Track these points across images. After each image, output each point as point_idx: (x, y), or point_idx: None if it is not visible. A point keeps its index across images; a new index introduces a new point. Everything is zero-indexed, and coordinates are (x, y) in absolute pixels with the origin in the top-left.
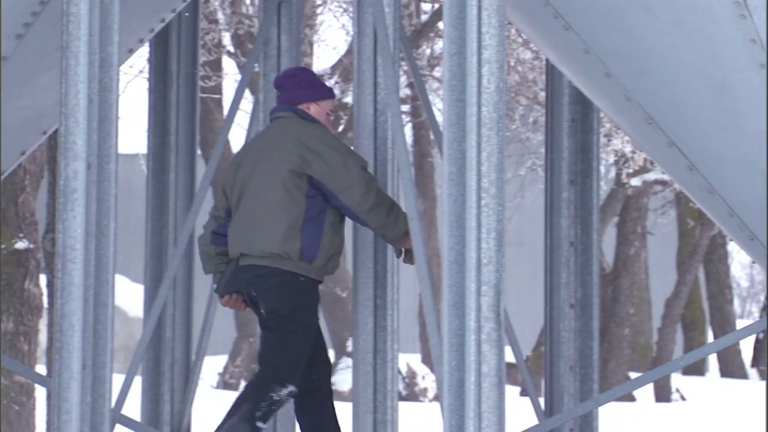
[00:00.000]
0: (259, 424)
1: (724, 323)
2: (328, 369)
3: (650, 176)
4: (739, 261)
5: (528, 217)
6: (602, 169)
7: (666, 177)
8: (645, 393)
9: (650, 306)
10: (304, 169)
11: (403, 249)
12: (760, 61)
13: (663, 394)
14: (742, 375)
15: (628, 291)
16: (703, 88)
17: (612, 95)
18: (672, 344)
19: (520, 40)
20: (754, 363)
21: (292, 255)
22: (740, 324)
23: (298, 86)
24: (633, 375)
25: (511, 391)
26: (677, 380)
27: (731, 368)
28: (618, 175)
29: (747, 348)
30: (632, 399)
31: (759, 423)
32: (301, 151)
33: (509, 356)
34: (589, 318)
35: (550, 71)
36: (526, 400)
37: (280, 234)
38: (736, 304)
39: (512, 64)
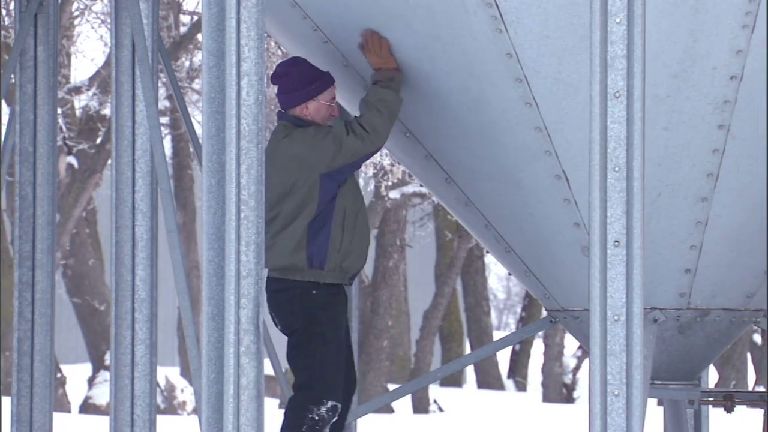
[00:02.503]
0: None
1: (481, 335)
2: (351, 389)
3: (409, 189)
4: (496, 273)
5: None
6: (361, 181)
7: (424, 190)
8: (403, 404)
9: (409, 318)
10: (309, 174)
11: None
12: (516, 75)
13: (421, 405)
14: (499, 386)
15: (387, 303)
16: (460, 102)
17: None
18: (430, 356)
19: (279, 53)
20: (511, 374)
21: (300, 265)
22: (497, 335)
23: (292, 87)
24: (391, 386)
25: (270, 404)
26: (435, 391)
27: (488, 379)
28: (377, 187)
29: (503, 359)
30: (390, 410)
31: None
32: (296, 164)
33: (268, 369)
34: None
35: None
36: None
37: (287, 246)
38: (493, 315)
39: None
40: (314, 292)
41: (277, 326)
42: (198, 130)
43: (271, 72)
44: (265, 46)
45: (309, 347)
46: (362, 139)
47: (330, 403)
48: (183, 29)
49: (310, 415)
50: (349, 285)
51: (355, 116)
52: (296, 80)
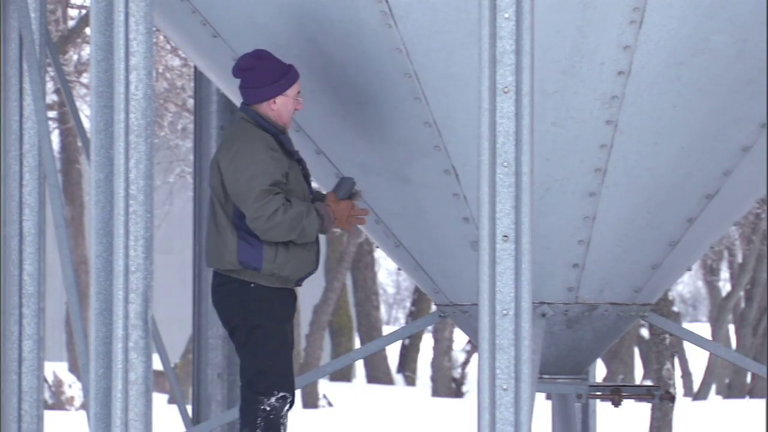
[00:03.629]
0: None
1: (370, 329)
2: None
3: None
4: (386, 268)
5: (177, 224)
6: None
7: (315, 185)
8: None
9: (298, 313)
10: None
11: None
12: (405, 70)
13: (310, 400)
14: (389, 381)
15: None
16: (350, 97)
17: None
18: (320, 350)
19: (168, 47)
20: (400, 369)
21: (235, 267)
22: (386, 330)
23: (259, 83)
24: None
25: (159, 399)
26: (324, 386)
27: (377, 374)
28: None
29: (393, 354)
30: None
31: (404, 428)
32: (216, 170)
33: (157, 364)
34: None
35: (199, 78)
36: (174, 407)
37: (221, 249)
38: (383, 310)
39: (161, 71)
40: (252, 285)
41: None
42: (86, 124)
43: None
44: (154, 40)
45: (252, 342)
46: (257, 217)
47: (280, 394)
48: (71, 23)
49: (262, 407)
50: (296, 287)
51: (287, 200)
52: (263, 76)
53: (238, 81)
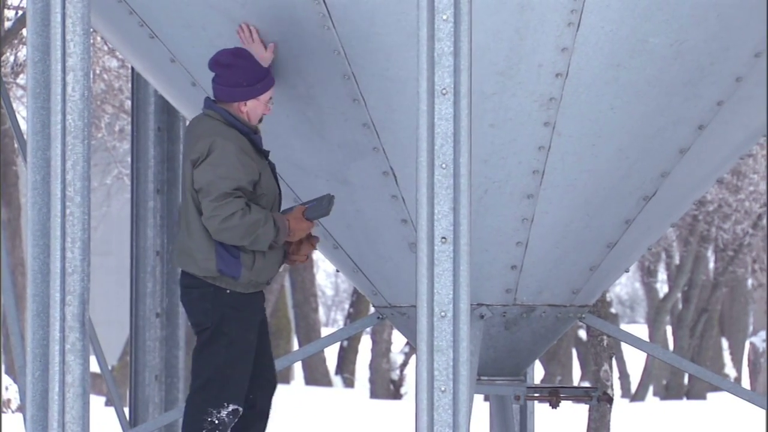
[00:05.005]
0: None
1: (309, 331)
2: (270, 390)
3: None
4: (324, 270)
5: (115, 226)
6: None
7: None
8: None
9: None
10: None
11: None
12: (343, 71)
13: None
14: (327, 383)
15: None
16: (288, 98)
17: (198, 104)
18: None
19: (105, 48)
20: (338, 370)
21: (211, 274)
22: (325, 332)
23: (235, 82)
24: None
25: (97, 401)
26: None
27: (316, 376)
28: None
29: (331, 356)
30: None
31: (342, 429)
32: (187, 169)
33: (94, 366)
34: (175, 327)
35: (136, 80)
36: (112, 410)
37: (195, 255)
38: (321, 312)
39: (98, 72)
40: (228, 291)
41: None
42: (23, 125)
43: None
44: (91, 41)
45: (213, 347)
46: (212, 216)
47: (231, 407)
48: (7, 24)
49: (210, 419)
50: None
51: (247, 205)
52: (241, 76)
53: (176, 83)
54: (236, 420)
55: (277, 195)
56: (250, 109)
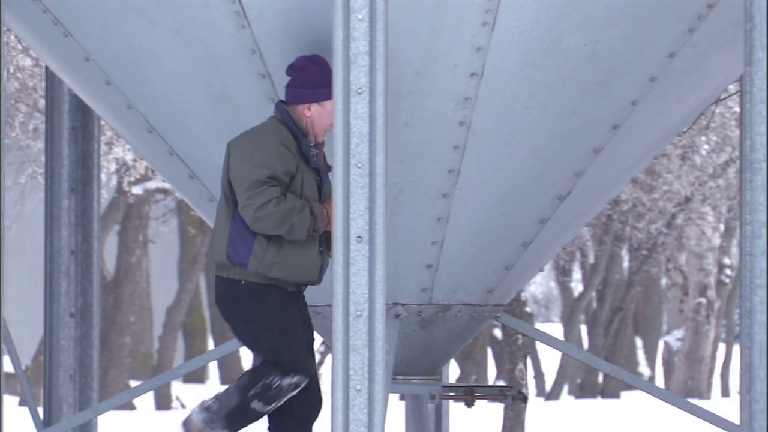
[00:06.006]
0: (254, 405)
1: (224, 331)
2: (314, 402)
3: (152, 185)
4: None
5: (28, 225)
6: (103, 177)
7: (168, 185)
8: (145, 401)
9: (151, 314)
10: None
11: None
12: (259, 70)
13: (164, 401)
14: None
15: (130, 299)
16: (203, 97)
17: (113, 103)
18: (173, 352)
19: (19, 47)
20: None
21: (222, 261)
22: None
23: (301, 84)
24: (134, 383)
25: (11, 401)
26: (178, 388)
27: (232, 376)
28: (120, 183)
29: (247, 355)
30: (132, 407)
31: (257, 428)
32: (227, 161)
33: (8, 366)
34: (89, 327)
35: (51, 78)
36: (25, 409)
37: (217, 236)
38: None
39: (12, 71)
40: (242, 282)
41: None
42: None
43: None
44: (5, 40)
45: (256, 338)
46: (247, 205)
47: (296, 378)
48: None
49: (268, 381)
50: (293, 290)
51: (283, 194)
52: (307, 79)
53: (91, 82)
54: (293, 392)
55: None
56: (314, 114)
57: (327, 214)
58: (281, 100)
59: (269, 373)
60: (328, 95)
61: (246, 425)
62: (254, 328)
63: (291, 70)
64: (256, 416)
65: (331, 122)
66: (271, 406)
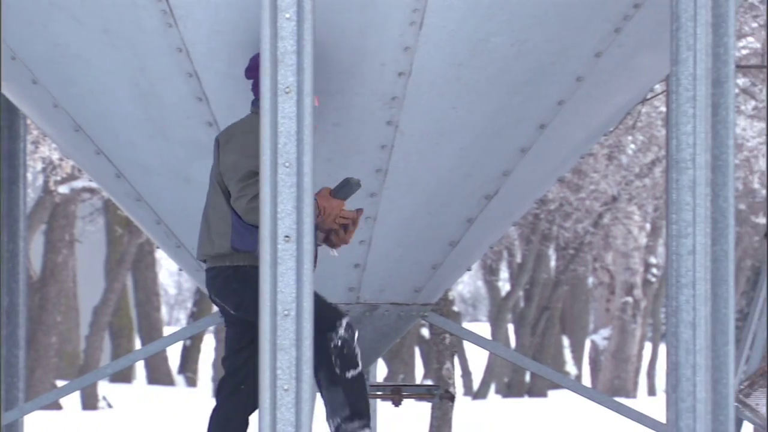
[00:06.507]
0: (349, 374)
1: (151, 330)
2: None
3: (78, 184)
4: (167, 268)
5: None
6: (29, 176)
7: (94, 185)
8: (72, 401)
9: (78, 314)
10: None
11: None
12: (187, 69)
13: (90, 401)
14: (169, 381)
15: (56, 299)
16: (130, 97)
17: (39, 102)
18: (99, 351)
19: None
20: (181, 369)
21: (223, 251)
22: (167, 331)
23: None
24: (60, 383)
25: None
26: (104, 387)
27: (158, 375)
28: (46, 182)
29: (174, 355)
30: (59, 407)
31: (185, 429)
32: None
33: None
34: (15, 326)
35: None
36: None
37: (211, 233)
38: (164, 311)
39: None
40: (247, 266)
41: (230, 312)
42: None
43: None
44: None
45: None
46: (240, 197)
47: (344, 321)
48: None
49: (332, 343)
50: None
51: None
52: None
53: (17, 81)
54: (355, 331)
55: None
56: None
57: (319, 206)
58: (254, 100)
59: (325, 340)
60: None
61: (365, 395)
62: None
63: (249, 72)
64: (361, 378)
65: None
66: (359, 359)
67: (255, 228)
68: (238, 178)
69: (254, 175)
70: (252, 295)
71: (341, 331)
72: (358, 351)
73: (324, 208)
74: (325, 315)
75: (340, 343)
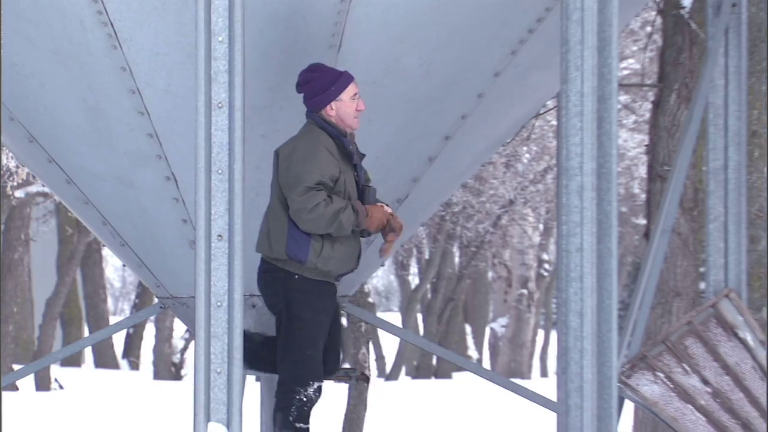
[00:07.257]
0: (299, 425)
1: (98, 319)
2: (330, 369)
3: (33, 188)
4: (113, 264)
5: None
6: None
7: (47, 189)
8: (27, 383)
9: (33, 305)
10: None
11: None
12: (130, 87)
13: (43, 383)
14: (115, 365)
15: (13, 292)
16: (79, 111)
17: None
18: (52, 339)
19: None
20: (125, 354)
21: (280, 256)
22: (113, 320)
23: (314, 92)
24: (16, 366)
25: None
26: (56, 371)
27: (105, 359)
28: (3, 187)
29: (119, 341)
30: (15, 389)
31: (129, 408)
32: (282, 163)
33: None
34: None
35: None
36: None
37: (270, 238)
38: (110, 302)
39: None
40: (296, 276)
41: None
42: None
43: None
44: None
45: (289, 330)
46: (299, 209)
47: (315, 384)
48: None
49: (298, 397)
50: (336, 282)
51: (329, 196)
52: (316, 86)
53: None
54: (320, 396)
55: (356, 200)
56: (338, 110)
57: (367, 210)
58: (308, 111)
59: (292, 392)
60: (339, 89)
61: None
62: (292, 324)
63: (300, 87)
64: None
65: (354, 108)
66: (309, 420)
67: (310, 238)
68: (297, 191)
69: (311, 189)
70: (285, 307)
71: (309, 391)
72: (311, 413)
73: (371, 213)
74: (307, 371)
75: (304, 399)
